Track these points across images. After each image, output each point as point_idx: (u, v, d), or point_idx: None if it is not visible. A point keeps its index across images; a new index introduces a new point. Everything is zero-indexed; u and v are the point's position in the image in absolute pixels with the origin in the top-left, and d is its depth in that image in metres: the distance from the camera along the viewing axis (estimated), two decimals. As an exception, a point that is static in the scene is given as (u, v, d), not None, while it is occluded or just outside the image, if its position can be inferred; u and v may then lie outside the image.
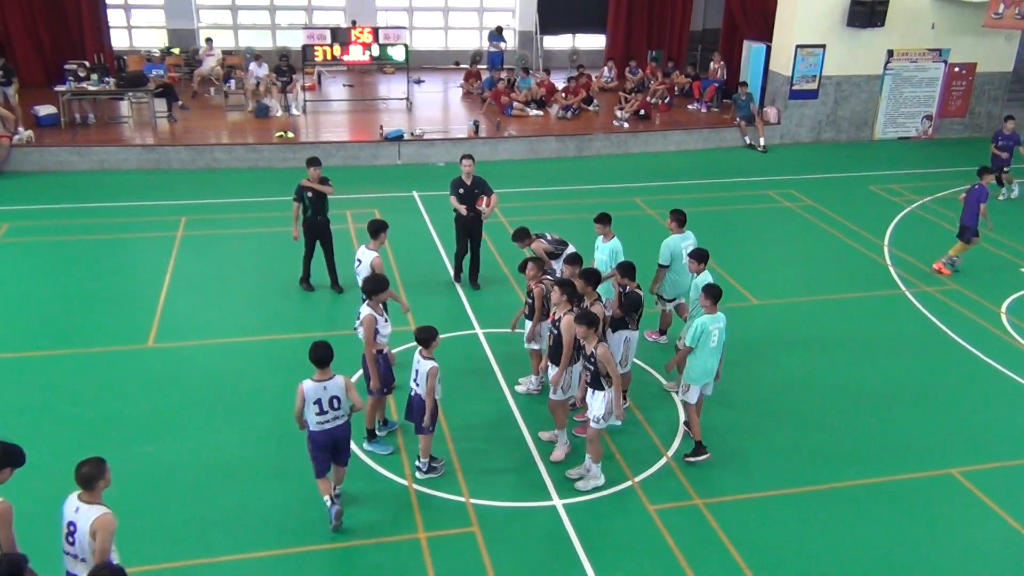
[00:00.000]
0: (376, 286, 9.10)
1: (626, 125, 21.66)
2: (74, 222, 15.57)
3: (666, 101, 23.46)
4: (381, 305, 9.26)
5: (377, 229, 10.55)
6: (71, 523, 6.13)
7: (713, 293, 9.30)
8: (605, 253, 10.93)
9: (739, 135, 22.06)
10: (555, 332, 9.07)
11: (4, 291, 12.87)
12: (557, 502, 8.73)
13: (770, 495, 8.96)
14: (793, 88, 22.04)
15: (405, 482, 8.93)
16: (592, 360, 8.53)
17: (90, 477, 6.09)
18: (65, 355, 11.16)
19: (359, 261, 10.49)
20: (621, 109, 22.41)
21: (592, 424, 8.71)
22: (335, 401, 7.88)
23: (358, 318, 9.10)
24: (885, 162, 21.10)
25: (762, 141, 21.73)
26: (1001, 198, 18.01)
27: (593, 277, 9.41)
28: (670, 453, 9.53)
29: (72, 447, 9.29)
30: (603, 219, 11.07)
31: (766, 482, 9.15)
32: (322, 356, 7.81)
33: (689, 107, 23.87)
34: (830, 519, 8.64)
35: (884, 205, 17.94)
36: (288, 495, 8.61)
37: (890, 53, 22.23)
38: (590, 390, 8.71)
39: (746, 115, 21.88)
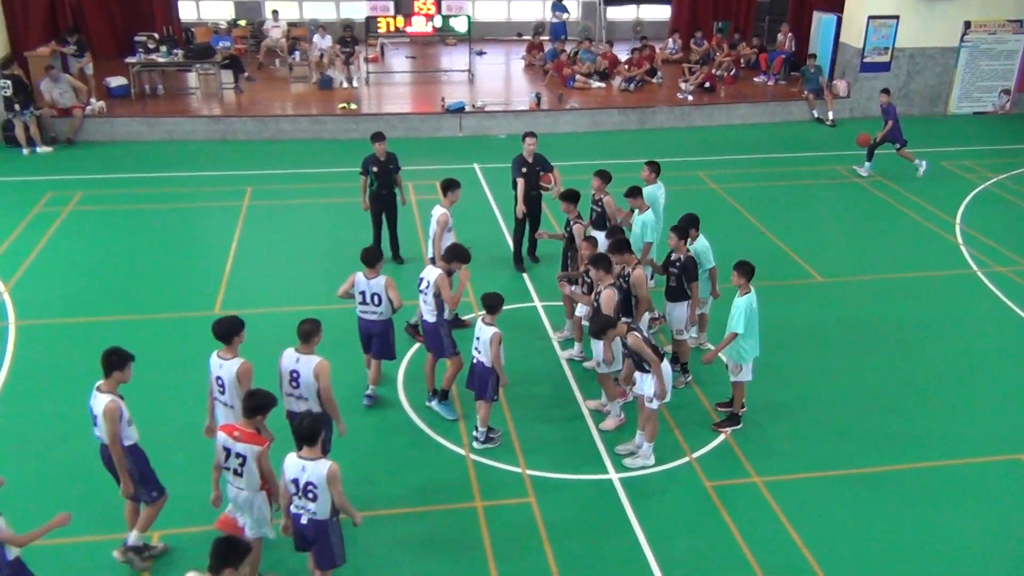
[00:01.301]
0: (456, 255, 9.29)
1: (690, 98, 21.34)
2: (144, 191, 15.96)
3: (732, 73, 23.02)
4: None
5: (446, 186, 11.13)
6: (294, 371, 7.79)
7: (747, 271, 9.11)
8: (638, 225, 10.92)
9: (807, 109, 21.57)
10: (596, 304, 9.07)
11: (77, 258, 13.28)
12: (613, 475, 8.74)
13: (831, 475, 8.85)
14: (864, 60, 21.44)
15: (463, 451, 9.03)
16: (627, 349, 8.49)
17: (309, 332, 7.73)
18: (136, 320, 11.49)
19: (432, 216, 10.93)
20: (685, 81, 22.07)
21: (646, 404, 8.66)
22: (375, 298, 9.19)
23: (422, 282, 9.24)
24: (959, 137, 20.43)
25: (831, 115, 21.21)
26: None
27: (625, 246, 9.47)
28: (729, 430, 9.45)
29: (139, 411, 9.58)
30: (634, 192, 11.10)
31: (826, 462, 9.03)
32: (372, 258, 9.15)
33: (756, 80, 23.40)
34: (891, 502, 8.50)
35: (957, 182, 17.41)
36: (346, 466, 8.75)
37: (967, 25, 21.45)
38: (637, 372, 8.65)
39: (814, 88, 21.37)
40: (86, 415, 9.58)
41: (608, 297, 8.90)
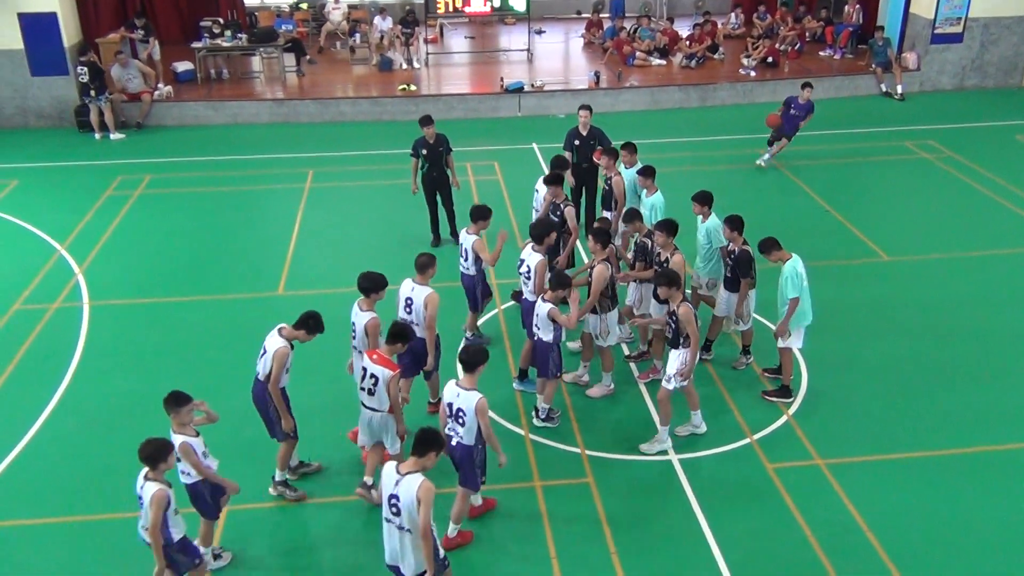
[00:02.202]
0: (542, 231, 9.49)
1: (753, 74, 20.93)
2: (210, 174, 16.31)
3: (796, 48, 22.49)
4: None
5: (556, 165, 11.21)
6: (408, 299, 8.63)
7: (770, 244, 9.31)
8: (647, 208, 10.61)
9: (875, 83, 20.99)
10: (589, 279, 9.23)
11: (146, 240, 13.64)
12: (673, 456, 8.70)
13: (895, 458, 8.68)
14: (935, 32, 20.76)
15: (522, 432, 9.08)
16: (674, 318, 8.39)
17: (424, 264, 8.65)
18: (203, 301, 11.78)
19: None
20: (748, 57, 21.64)
21: (664, 383, 8.58)
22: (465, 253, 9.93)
23: (522, 264, 9.43)
24: (1036, 110, 19.70)
25: (900, 89, 20.61)
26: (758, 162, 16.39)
27: (673, 228, 9.31)
28: (791, 412, 9.34)
29: (209, 388, 9.84)
30: (647, 172, 10.86)
31: (891, 445, 8.87)
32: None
33: (821, 54, 22.83)
34: (958, 486, 8.31)
35: (1033, 156, 16.81)
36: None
37: (1046, -9, 20.61)
38: (670, 348, 8.58)
39: (883, 61, 20.78)
40: (155, 393, 9.89)
41: (599, 273, 8.97)
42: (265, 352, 7.87)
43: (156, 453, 6.36)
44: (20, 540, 7.79)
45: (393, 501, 6.15)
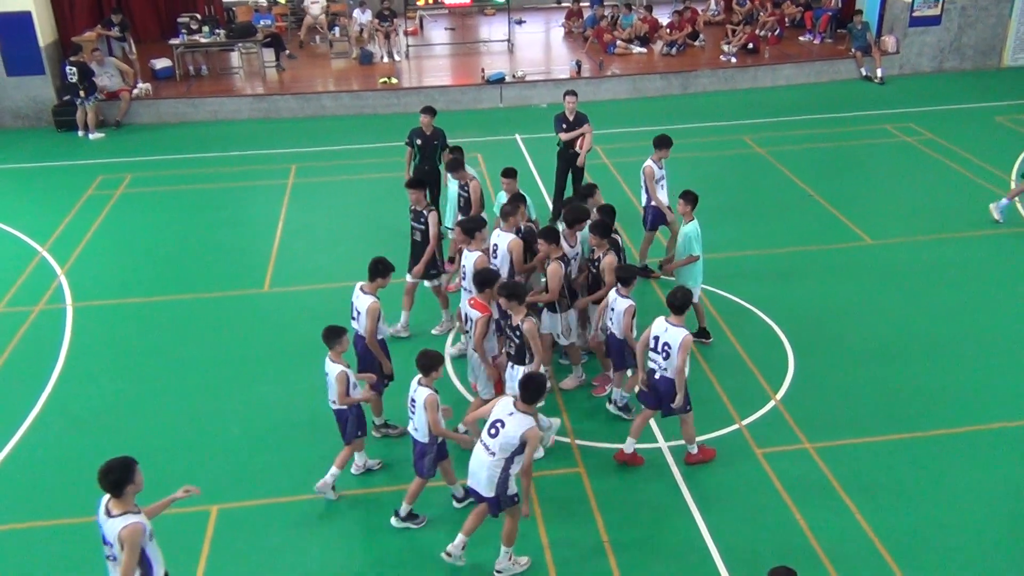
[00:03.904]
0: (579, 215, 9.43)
1: (734, 60, 20.96)
2: (192, 172, 16.19)
3: (776, 33, 22.53)
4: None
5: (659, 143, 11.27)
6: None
7: (692, 199, 9.81)
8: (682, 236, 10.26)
9: (855, 67, 21.06)
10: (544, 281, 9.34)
11: (128, 240, 13.54)
12: (662, 444, 8.74)
13: (884, 440, 8.75)
14: (913, 15, 20.82)
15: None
16: (518, 333, 8.13)
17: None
18: (187, 300, 11.71)
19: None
20: (728, 43, 21.66)
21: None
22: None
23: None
24: (1014, 91, 19.75)
25: (879, 72, 20.69)
26: None
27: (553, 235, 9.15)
28: (779, 396, 9.39)
29: (195, 387, 9.82)
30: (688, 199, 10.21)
31: (879, 427, 8.93)
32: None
33: (801, 39, 22.87)
34: (946, 465, 8.39)
35: (1012, 137, 16.90)
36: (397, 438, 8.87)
37: (1023, -28, 20.72)
38: (515, 365, 8.33)
39: (862, 45, 20.84)
40: (142, 394, 9.87)
41: (553, 270, 8.95)
42: (359, 313, 8.39)
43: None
44: (8, 544, 7.73)
45: (497, 426, 6.77)
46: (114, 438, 9.02)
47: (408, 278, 10.36)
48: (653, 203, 11.41)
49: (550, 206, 13.78)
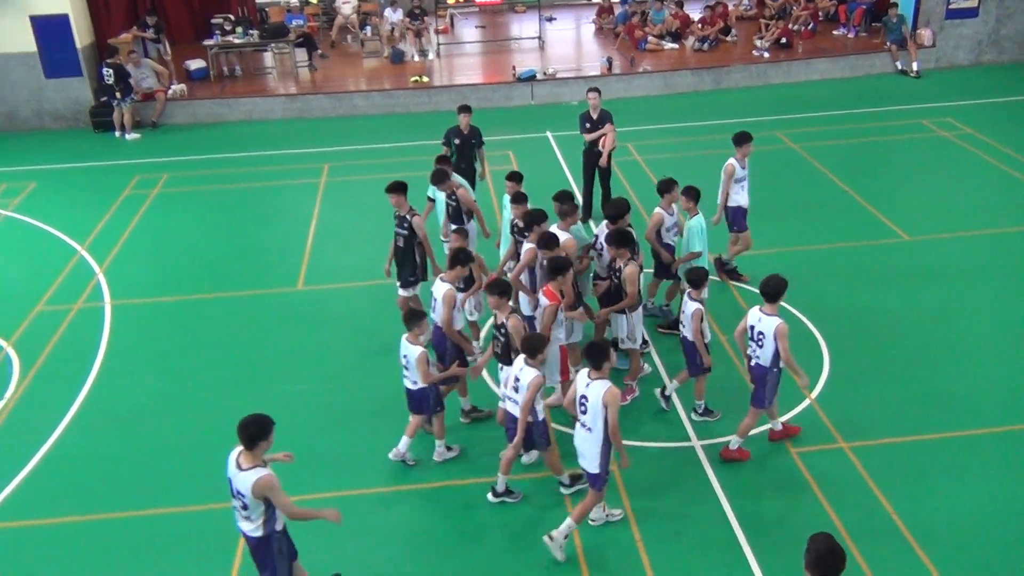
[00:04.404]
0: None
1: (766, 55, 20.78)
2: (226, 171, 16.36)
3: (809, 27, 22.31)
4: None
5: (738, 140, 11.08)
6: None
7: (694, 194, 9.89)
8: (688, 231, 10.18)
9: (890, 61, 20.78)
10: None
11: (165, 238, 13.72)
12: (695, 443, 8.70)
13: (920, 439, 8.64)
14: (950, 7, 20.52)
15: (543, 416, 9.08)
16: (503, 331, 8.12)
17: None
18: (222, 298, 11.85)
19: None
20: (761, 38, 21.48)
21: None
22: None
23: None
24: (1055, 84, 19.44)
25: (915, 66, 20.40)
26: None
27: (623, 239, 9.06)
28: (814, 395, 9.30)
29: (230, 384, 9.93)
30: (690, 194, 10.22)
31: (916, 426, 8.82)
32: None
33: (835, 33, 22.63)
34: (986, 467, 8.26)
35: (1053, 131, 16.61)
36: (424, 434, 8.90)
37: (1064, -37, 20.31)
38: (503, 366, 8.32)
39: (897, 39, 20.57)
40: (178, 390, 9.99)
41: (631, 274, 8.86)
42: (436, 301, 8.49)
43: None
44: (47, 539, 7.87)
45: (583, 402, 7.05)
46: (151, 434, 9.16)
47: (400, 292, 10.09)
48: (731, 203, 11.12)
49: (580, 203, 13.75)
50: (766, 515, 7.79)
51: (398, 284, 10.08)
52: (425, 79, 19.83)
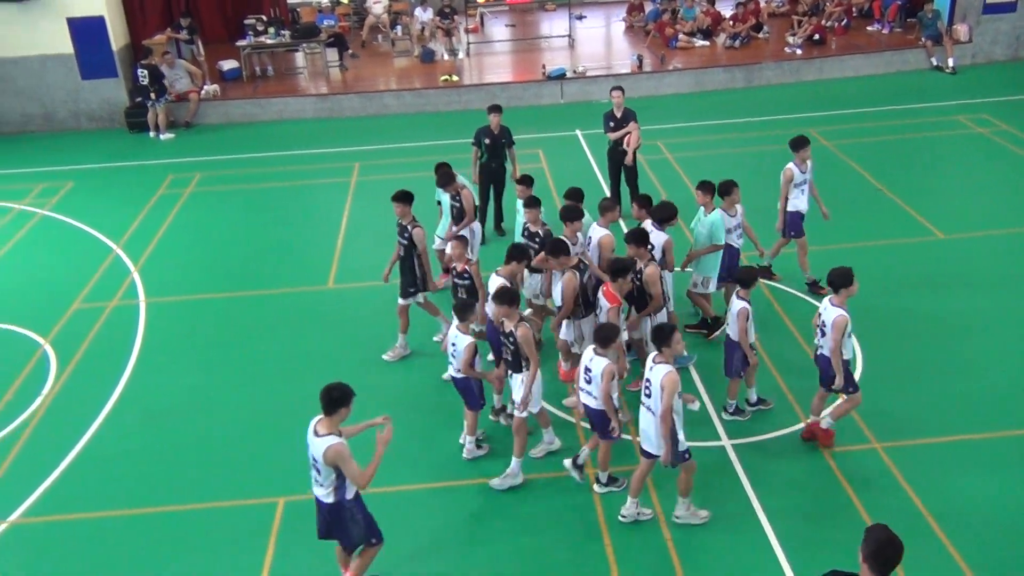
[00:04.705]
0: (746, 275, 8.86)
1: (799, 52, 20.59)
2: (258, 171, 16.51)
3: (843, 23, 22.06)
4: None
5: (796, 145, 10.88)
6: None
7: (710, 188, 9.95)
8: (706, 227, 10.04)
9: (925, 56, 20.51)
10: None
11: (198, 237, 13.88)
12: (726, 442, 8.64)
13: (955, 440, 8.52)
14: (987, 1, 20.19)
15: (573, 420, 9.08)
16: (512, 339, 7.96)
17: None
18: (254, 296, 11.96)
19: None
20: (793, 35, 21.28)
21: (516, 412, 8.14)
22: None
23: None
24: (1095, 79, 19.08)
25: (951, 62, 20.11)
26: None
27: (642, 237, 9.05)
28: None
29: (262, 381, 10.03)
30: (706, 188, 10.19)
31: (950, 427, 8.70)
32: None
33: (869, 29, 22.35)
34: (1020, 467, 8.12)
35: (1093, 127, 16.30)
36: (453, 433, 8.92)
37: (1105, -45, 19.92)
38: (513, 374, 8.24)
39: (933, 34, 20.28)
40: (211, 387, 10.09)
41: (567, 282, 8.81)
42: (490, 294, 8.43)
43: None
44: (82, 532, 8.00)
45: (647, 386, 7.23)
46: (184, 430, 9.27)
47: (400, 301, 10.11)
48: (790, 208, 10.85)
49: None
50: (797, 515, 7.72)
51: (399, 298, 10.13)
52: (455, 78, 19.87)
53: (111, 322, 11.47)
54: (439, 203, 11.56)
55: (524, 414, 8.04)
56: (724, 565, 7.30)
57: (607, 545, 7.52)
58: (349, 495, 6.51)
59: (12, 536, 7.97)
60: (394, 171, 16.17)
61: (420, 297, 10.12)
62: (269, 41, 20.66)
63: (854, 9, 22.71)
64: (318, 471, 6.44)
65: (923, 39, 20.42)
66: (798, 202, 10.90)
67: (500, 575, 7.34)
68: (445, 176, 10.80)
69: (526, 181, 10.45)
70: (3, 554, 7.77)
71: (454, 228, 10.84)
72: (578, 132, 17.43)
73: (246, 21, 21.08)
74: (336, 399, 6.33)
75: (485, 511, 8.01)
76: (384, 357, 10.25)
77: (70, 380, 10.25)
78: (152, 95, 18.26)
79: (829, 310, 7.99)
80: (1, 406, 9.78)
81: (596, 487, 8.10)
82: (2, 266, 13.21)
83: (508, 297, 7.98)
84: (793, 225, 11.00)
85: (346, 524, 6.60)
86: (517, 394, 8.07)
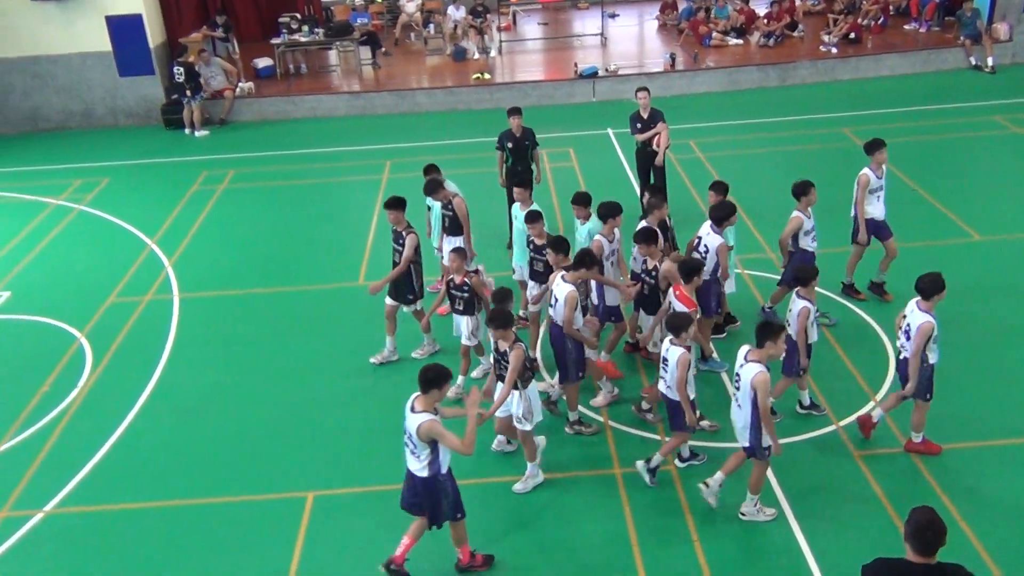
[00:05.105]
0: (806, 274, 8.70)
1: (834, 50, 20.37)
2: (291, 167, 16.65)
3: (880, 22, 21.79)
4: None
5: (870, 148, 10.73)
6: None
7: (723, 188, 10.01)
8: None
9: (963, 56, 20.20)
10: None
11: (232, 233, 14.03)
12: (756, 444, 8.57)
13: (988, 445, 8.39)
14: (1029, 0, 19.86)
15: (601, 418, 9.07)
16: (506, 360, 7.78)
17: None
18: (286, 292, 12.06)
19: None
20: (829, 33, 21.06)
21: (518, 425, 8.00)
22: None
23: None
24: None
25: (990, 61, 19.78)
26: None
27: (650, 236, 9.09)
28: (878, 397, 9.10)
29: (293, 376, 10.11)
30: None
31: (984, 432, 8.57)
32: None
33: (906, 27, 22.06)
34: (1060, 473, 7.99)
35: None
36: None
37: None
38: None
39: (972, 33, 19.97)
40: (242, 382, 10.19)
41: (668, 270, 8.86)
42: (557, 300, 8.42)
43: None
44: (118, 523, 8.12)
45: (737, 380, 7.26)
46: (216, 424, 9.38)
47: (388, 301, 10.06)
48: (865, 215, 10.47)
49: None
50: (828, 518, 7.65)
51: (387, 298, 10.05)
52: (487, 76, 19.90)
53: (145, 316, 11.63)
54: (429, 208, 11.18)
55: (528, 427, 7.93)
56: (752, 569, 7.26)
57: (633, 546, 7.49)
58: (443, 470, 6.77)
59: (47, 525, 8.11)
60: (425, 169, 16.22)
61: (418, 305, 10.04)
62: (303, 39, 20.82)
63: (891, 7, 22.43)
64: (414, 445, 6.70)
65: (962, 38, 20.12)
66: (873, 209, 10.45)
67: (526, 568, 7.34)
68: (432, 184, 10.45)
69: (525, 184, 10.26)
70: (38, 543, 7.91)
71: (448, 239, 10.58)
72: (609, 131, 17.38)
73: (280, 19, 21.26)
74: (431, 379, 6.61)
75: (510, 507, 8.02)
76: (372, 360, 10.20)
77: (105, 373, 10.41)
78: (188, 92, 18.50)
79: (916, 314, 7.79)
80: (38, 398, 9.96)
81: (677, 462, 8.31)
82: (40, 260, 13.45)
83: (503, 320, 7.71)
84: (870, 232, 10.52)
85: (439, 498, 6.84)
86: (517, 409, 7.91)
